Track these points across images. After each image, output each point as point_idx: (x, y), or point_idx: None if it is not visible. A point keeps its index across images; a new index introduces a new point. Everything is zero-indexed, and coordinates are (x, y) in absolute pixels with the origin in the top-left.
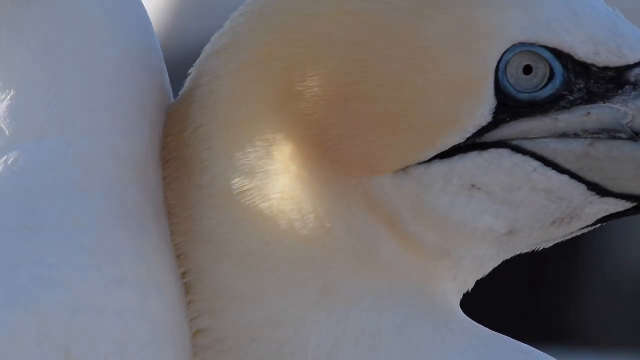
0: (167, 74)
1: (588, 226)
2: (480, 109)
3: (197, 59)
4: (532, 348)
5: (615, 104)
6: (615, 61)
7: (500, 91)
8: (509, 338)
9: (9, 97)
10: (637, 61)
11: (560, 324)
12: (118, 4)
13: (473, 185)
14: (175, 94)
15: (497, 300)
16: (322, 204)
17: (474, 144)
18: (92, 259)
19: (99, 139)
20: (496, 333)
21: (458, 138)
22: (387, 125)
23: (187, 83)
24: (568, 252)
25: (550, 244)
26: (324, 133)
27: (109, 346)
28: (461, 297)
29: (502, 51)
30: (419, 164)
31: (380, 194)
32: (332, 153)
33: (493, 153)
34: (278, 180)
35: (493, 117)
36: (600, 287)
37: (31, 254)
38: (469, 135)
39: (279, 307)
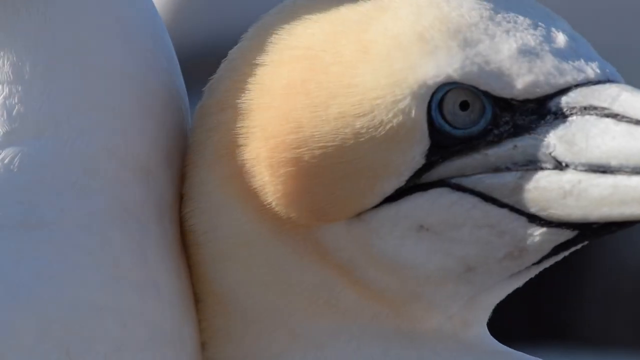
0: (180, 75)
1: (546, 258)
2: (412, 152)
3: (199, 57)
4: None
5: (539, 135)
6: (533, 93)
7: (435, 130)
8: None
9: (3, 95)
10: (555, 90)
11: (560, 324)
12: (123, 3)
13: (420, 227)
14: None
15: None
16: (274, 254)
17: (416, 185)
18: (91, 258)
19: (97, 139)
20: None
21: (396, 181)
22: (324, 174)
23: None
24: None
25: (527, 275)
26: (266, 185)
27: (108, 345)
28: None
29: (429, 92)
30: (370, 209)
31: (331, 241)
32: (277, 204)
33: (433, 193)
34: (232, 227)
35: (426, 159)
36: (601, 287)
37: (30, 252)
38: (405, 177)
39: (255, 347)
